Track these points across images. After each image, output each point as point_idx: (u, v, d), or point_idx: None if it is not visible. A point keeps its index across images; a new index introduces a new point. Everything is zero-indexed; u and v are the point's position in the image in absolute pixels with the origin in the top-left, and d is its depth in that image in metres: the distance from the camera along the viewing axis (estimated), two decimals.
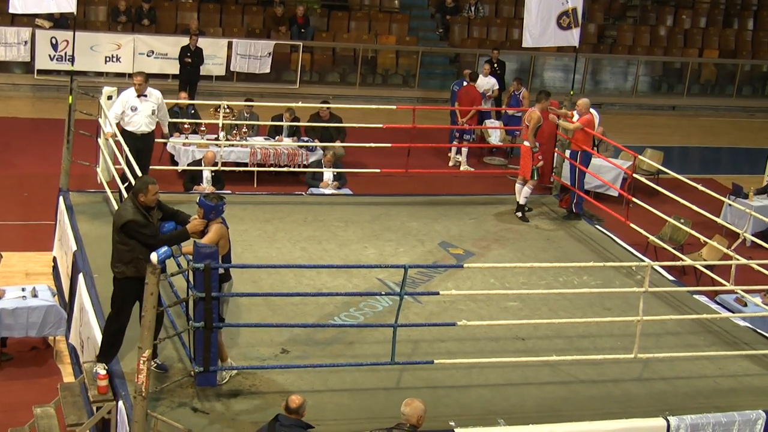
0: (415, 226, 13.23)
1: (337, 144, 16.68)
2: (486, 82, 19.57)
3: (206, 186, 14.66)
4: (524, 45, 15.81)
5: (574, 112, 14.19)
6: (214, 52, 21.89)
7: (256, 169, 16.35)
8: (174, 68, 20.71)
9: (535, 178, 13.76)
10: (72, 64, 16.08)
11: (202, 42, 20.84)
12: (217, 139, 15.78)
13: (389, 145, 15.04)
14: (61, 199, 12.76)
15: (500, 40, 25.30)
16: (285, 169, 16.24)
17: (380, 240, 12.66)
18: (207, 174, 14.80)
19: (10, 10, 13.12)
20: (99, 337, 9.16)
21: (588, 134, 14.06)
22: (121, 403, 8.53)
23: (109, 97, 12.92)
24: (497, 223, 13.74)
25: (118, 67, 21.56)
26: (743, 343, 10.77)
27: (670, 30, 27.58)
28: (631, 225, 13.40)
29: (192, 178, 14.86)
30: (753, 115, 26.74)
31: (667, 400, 9.44)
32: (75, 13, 13.79)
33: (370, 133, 15.82)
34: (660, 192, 13.55)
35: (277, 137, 17.04)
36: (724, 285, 11.63)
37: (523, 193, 13.88)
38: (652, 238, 13.55)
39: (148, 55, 21.59)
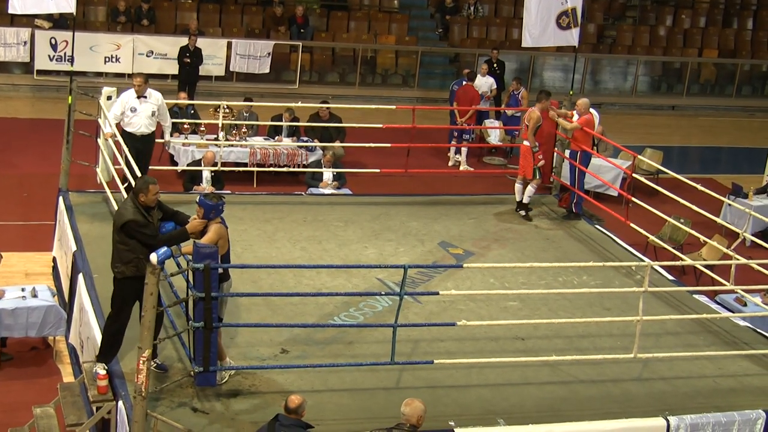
0: (415, 226, 13.23)
1: (337, 144, 16.68)
2: (484, 82, 19.57)
3: (206, 186, 14.66)
4: (524, 45, 15.82)
5: (574, 112, 14.19)
6: (214, 52, 21.89)
7: (255, 169, 16.36)
8: (173, 68, 20.70)
9: (538, 177, 13.77)
10: (71, 65, 16.09)
11: (202, 42, 20.84)
12: (216, 139, 15.79)
13: (389, 145, 15.04)
14: (60, 199, 12.76)
15: (500, 40, 25.31)
16: (284, 169, 16.24)
17: (380, 240, 12.66)
18: (206, 174, 14.80)
19: (10, 11, 13.12)
20: (99, 337, 9.16)
21: (587, 134, 14.07)
22: (120, 403, 8.52)
23: (109, 98, 12.92)
24: (497, 222, 13.74)
25: (117, 68, 21.57)
26: (743, 342, 10.77)
27: (670, 30, 27.58)
28: (631, 225, 13.40)
29: (191, 178, 14.86)
30: (752, 115, 26.75)
31: (666, 399, 9.44)
32: (74, 13, 13.80)
33: (370, 133, 15.82)
34: (660, 192, 13.55)
35: (276, 137, 17.04)
36: (724, 285, 11.63)
37: (526, 192, 13.89)
38: (651, 237, 13.55)
39: (147, 56, 21.59)
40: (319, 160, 15.99)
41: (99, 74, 21.57)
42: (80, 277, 10.55)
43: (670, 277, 12.40)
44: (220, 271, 8.50)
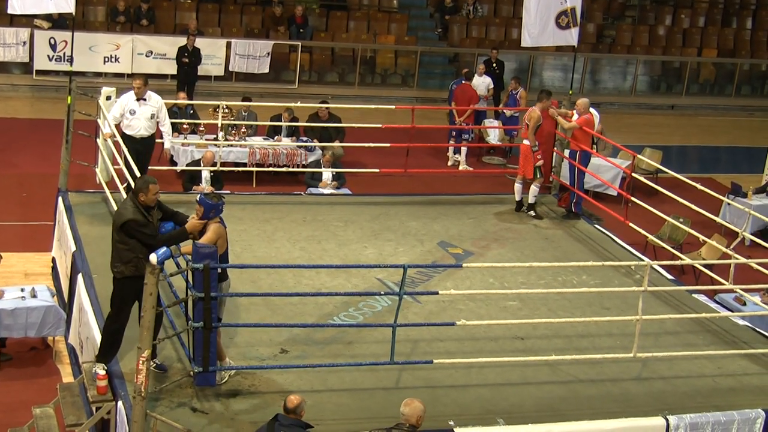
0: (414, 226, 13.23)
1: (336, 144, 16.68)
2: (481, 82, 19.55)
3: (205, 186, 14.65)
4: (523, 44, 15.83)
5: (574, 112, 14.19)
6: (213, 52, 21.89)
7: (255, 169, 16.37)
8: (173, 68, 20.68)
9: (538, 176, 13.78)
10: (71, 65, 16.06)
11: (201, 42, 20.84)
12: (216, 139, 15.79)
13: (388, 144, 15.04)
14: (60, 199, 12.76)
15: (499, 40, 25.32)
16: (284, 169, 16.24)
17: (379, 240, 12.66)
18: (206, 174, 14.79)
19: (9, 11, 13.13)
20: (98, 337, 9.15)
21: (587, 134, 14.07)
22: (120, 403, 8.52)
23: (108, 98, 12.91)
24: (496, 222, 13.74)
25: (116, 68, 21.57)
26: (742, 342, 10.77)
27: (669, 29, 27.59)
28: (630, 224, 13.40)
29: (191, 178, 14.86)
30: (752, 114, 26.75)
31: (666, 399, 9.45)
32: (74, 13, 13.80)
33: (369, 133, 15.83)
34: (659, 191, 13.56)
35: (276, 137, 17.05)
36: (723, 284, 11.63)
37: (531, 192, 13.92)
38: (651, 237, 13.55)
39: (146, 56, 21.59)
40: (319, 160, 15.99)
41: (98, 74, 21.57)
42: (80, 277, 10.55)
43: (670, 277, 12.40)
44: (219, 270, 8.50)
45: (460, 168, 18.29)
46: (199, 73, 20.60)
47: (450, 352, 9.79)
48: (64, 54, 20.88)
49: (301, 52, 23.11)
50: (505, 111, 19.46)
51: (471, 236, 13.08)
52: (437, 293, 9.83)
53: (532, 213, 13.94)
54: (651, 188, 14.24)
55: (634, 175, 14.30)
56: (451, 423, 8.62)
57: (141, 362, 7.80)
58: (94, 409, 8.78)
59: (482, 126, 19.31)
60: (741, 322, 11.20)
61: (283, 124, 16.86)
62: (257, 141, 16.79)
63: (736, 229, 13.58)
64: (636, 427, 8.95)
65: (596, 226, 13.84)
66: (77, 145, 13.01)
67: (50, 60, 21.11)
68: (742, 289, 11.78)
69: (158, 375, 8.82)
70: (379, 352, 9.46)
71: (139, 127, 12.77)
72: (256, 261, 11.40)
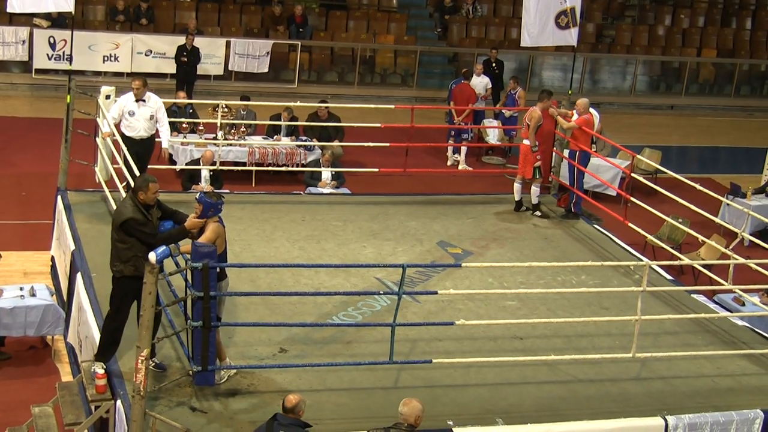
0: (414, 226, 13.23)
1: (336, 143, 16.68)
2: (479, 82, 19.55)
3: (204, 185, 14.65)
4: (522, 44, 15.83)
5: (574, 112, 14.20)
6: (213, 52, 21.89)
7: (254, 168, 16.37)
8: (172, 68, 20.69)
9: (538, 176, 13.78)
10: (70, 64, 16.07)
11: (201, 41, 20.84)
12: (215, 138, 15.79)
13: (387, 144, 15.04)
14: (59, 198, 12.76)
15: (498, 40, 25.32)
16: (283, 168, 16.24)
17: (378, 239, 12.66)
18: (205, 173, 14.80)
19: (8, 10, 13.14)
20: (97, 336, 9.15)
21: (587, 134, 14.07)
22: (119, 402, 8.52)
23: (107, 97, 12.90)
24: (496, 222, 13.74)
25: (116, 67, 21.57)
26: (741, 342, 10.77)
27: (669, 29, 27.60)
28: (630, 224, 13.40)
29: (190, 177, 14.86)
30: (751, 115, 26.76)
31: (665, 399, 9.45)
32: (73, 12, 13.81)
33: (369, 133, 15.83)
34: (658, 191, 13.55)
35: (275, 136, 17.05)
36: (723, 284, 11.64)
37: (532, 192, 13.93)
38: (650, 237, 13.55)
39: (146, 55, 21.59)
40: (318, 159, 15.99)
41: (98, 73, 21.57)
42: (79, 276, 10.55)
43: (669, 277, 12.40)
44: (218, 270, 8.50)
45: (460, 168, 18.29)
46: (198, 73, 20.62)
47: (449, 351, 9.79)
48: (63, 53, 20.87)
49: (301, 51, 23.11)
50: (504, 111, 19.46)
51: (470, 236, 13.08)
52: (436, 293, 9.83)
53: (538, 213, 13.95)
54: (650, 188, 14.24)
55: (633, 175, 14.29)
56: (450, 423, 8.62)
57: (140, 361, 7.80)
58: (93, 408, 8.78)
59: (482, 126, 19.30)
60: (740, 322, 11.20)
61: (283, 123, 16.86)
62: (257, 140, 16.79)
63: (735, 230, 13.58)
64: (635, 427, 8.95)
65: (595, 226, 13.84)
66: (76, 144, 13.01)
67: (50, 59, 21.11)
68: (741, 290, 11.80)
69: (157, 374, 8.82)
70: (378, 352, 9.46)
71: (138, 129, 12.74)
72: (255, 260, 11.39)
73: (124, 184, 11.53)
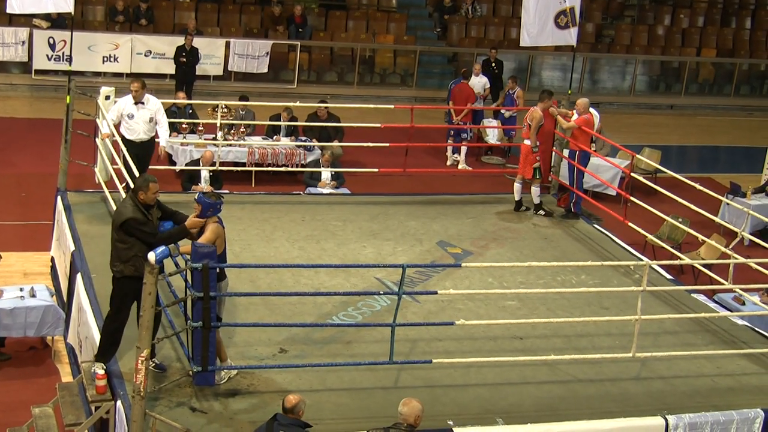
0: (413, 226, 13.23)
1: (335, 143, 16.68)
2: (477, 82, 19.55)
3: (204, 186, 14.65)
4: (522, 44, 15.82)
5: (574, 112, 14.20)
6: (212, 52, 21.90)
7: (254, 168, 16.37)
8: (171, 68, 20.68)
9: (538, 177, 13.78)
10: (69, 64, 16.05)
11: (200, 42, 20.84)
12: (215, 138, 15.78)
13: (387, 144, 15.04)
14: (59, 198, 12.76)
15: (498, 40, 25.32)
16: (283, 168, 16.24)
17: (378, 239, 12.66)
18: (205, 173, 14.79)
19: (8, 11, 13.12)
20: (97, 336, 9.15)
21: (586, 134, 14.06)
22: (119, 402, 8.52)
23: (107, 97, 12.89)
24: (495, 222, 13.74)
25: (115, 67, 21.57)
26: (741, 341, 10.77)
27: (668, 29, 27.60)
28: (630, 224, 13.40)
29: (190, 177, 14.86)
30: (751, 114, 26.76)
31: (665, 399, 9.45)
32: (72, 13, 13.79)
33: (368, 133, 15.83)
34: (658, 191, 13.55)
35: (275, 137, 17.05)
36: (723, 284, 11.63)
37: (533, 193, 13.93)
38: (650, 237, 13.55)
39: (145, 55, 21.59)
40: (318, 159, 15.99)
41: (97, 74, 21.57)
42: (79, 276, 10.54)
43: (669, 277, 12.40)
44: (218, 270, 8.50)
45: (459, 167, 18.29)
46: (197, 73, 20.61)
47: (449, 351, 9.79)
48: (63, 53, 20.87)
49: (300, 51, 23.11)
50: (503, 111, 19.45)
51: (470, 236, 13.08)
52: (436, 293, 9.83)
53: (541, 212, 13.95)
54: (650, 188, 14.24)
55: (633, 174, 14.29)
56: (450, 422, 8.62)
57: (140, 362, 7.80)
58: (93, 408, 8.78)
59: (481, 126, 19.30)
60: (740, 321, 11.20)
61: (282, 123, 16.86)
62: (256, 141, 16.79)
63: (735, 229, 13.58)
64: (635, 426, 8.95)
65: (595, 225, 13.84)
66: (76, 145, 13.01)
67: (49, 59, 21.11)
68: (741, 289, 11.79)
69: (157, 374, 8.81)
70: (378, 352, 9.46)
71: (138, 131, 12.72)
72: (255, 260, 11.39)
73: (124, 184, 11.52)
